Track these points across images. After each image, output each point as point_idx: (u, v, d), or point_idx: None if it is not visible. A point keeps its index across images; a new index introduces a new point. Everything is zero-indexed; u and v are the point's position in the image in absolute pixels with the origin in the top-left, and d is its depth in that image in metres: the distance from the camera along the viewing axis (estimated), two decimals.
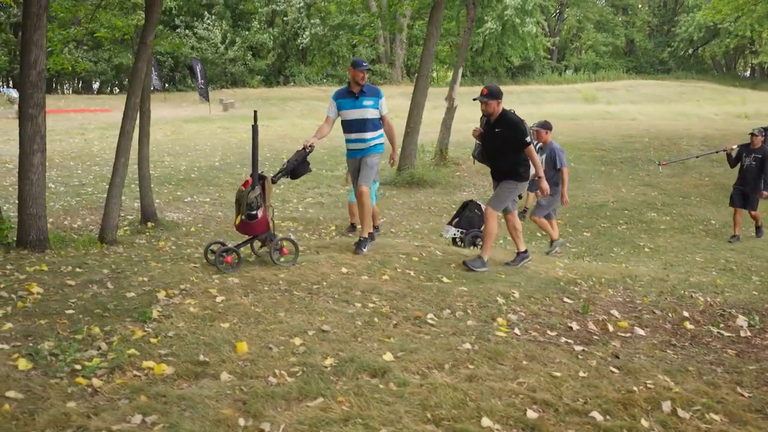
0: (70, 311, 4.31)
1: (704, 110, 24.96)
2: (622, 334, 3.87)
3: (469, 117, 15.95)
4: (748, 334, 4.04)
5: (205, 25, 34.58)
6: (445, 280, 4.91)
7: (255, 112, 5.55)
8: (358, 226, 8.56)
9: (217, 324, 3.94)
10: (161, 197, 11.29)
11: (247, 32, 36.10)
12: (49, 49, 9.05)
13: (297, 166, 5.72)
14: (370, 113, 5.86)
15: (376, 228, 8.38)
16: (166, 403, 2.84)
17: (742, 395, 3.04)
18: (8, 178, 11.90)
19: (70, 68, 12.59)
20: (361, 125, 5.87)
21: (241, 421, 2.65)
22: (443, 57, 43.44)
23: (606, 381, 3.05)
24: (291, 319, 3.97)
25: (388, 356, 3.31)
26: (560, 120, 22.37)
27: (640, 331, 3.93)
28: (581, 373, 3.14)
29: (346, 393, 2.87)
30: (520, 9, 36.87)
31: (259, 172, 5.41)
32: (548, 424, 2.66)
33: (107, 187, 12.29)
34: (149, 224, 9.50)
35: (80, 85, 38.58)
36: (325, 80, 37.57)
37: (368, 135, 5.90)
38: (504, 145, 5.43)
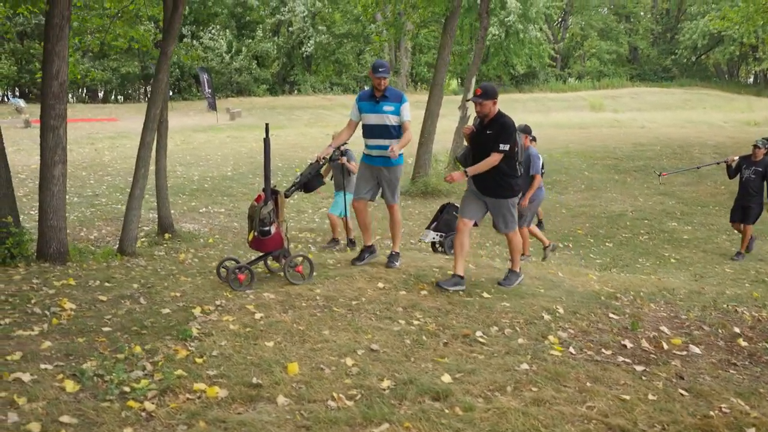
0: (107, 328, 4.21)
1: (712, 118, 24.92)
2: (678, 353, 3.77)
3: None
4: None
5: (210, 34, 34.63)
6: (485, 294, 4.82)
7: (267, 125, 5.38)
8: (342, 241, 8.40)
9: (261, 342, 3.85)
10: (176, 208, 11.21)
11: (251, 41, 36.14)
12: None
13: (310, 180, 5.60)
14: (391, 119, 5.49)
15: (351, 241, 8.22)
16: (227, 429, 2.74)
17: None
18: (21, 189, 11.83)
19: (80, 77, 12.54)
20: (381, 131, 5.53)
21: None
22: (449, 65, 43.47)
23: (678, 405, 2.95)
24: (337, 338, 3.87)
25: (446, 378, 3.21)
26: (569, 128, 22.39)
27: (696, 349, 3.83)
28: (650, 396, 3.04)
29: (411, 418, 2.77)
30: (523, 16, 36.90)
31: (272, 186, 5.26)
32: None
33: (121, 197, 12.36)
34: (166, 235, 9.42)
35: (85, 94, 38.60)
36: (330, 89, 37.58)
37: (386, 142, 5.51)
38: (493, 149, 4.93)
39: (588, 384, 3.17)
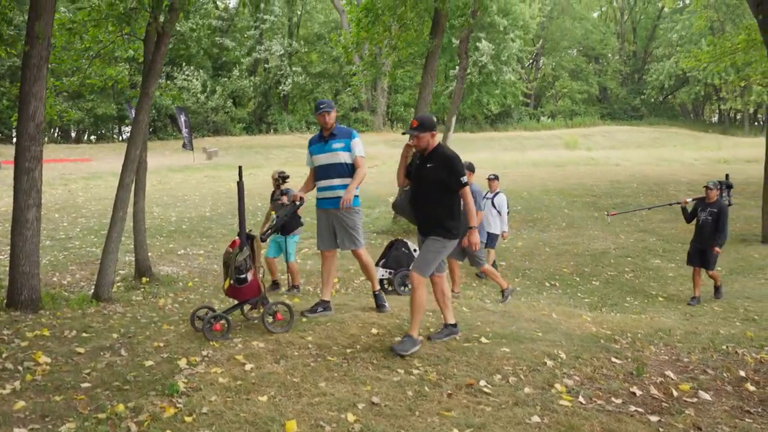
0: (86, 384, 3.95)
1: (683, 156, 25.47)
2: (689, 400, 3.64)
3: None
4: None
5: (184, 75, 34.63)
6: (483, 340, 4.66)
7: (240, 167, 5.18)
8: (283, 288, 7.99)
9: (254, 397, 3.62)
10: (153, 250, 10.89)
11: (227, 80, 36.23)
12: None
13: (288, 222, 5.44)
14: (342, 157, 5.23)
15: (296, 287, 7.78)
16: None
17: None
18: None
19: (57, 117, 12.30)
20: (332, 170, 5.25)
21: None
22: None
23: None
24: (335, 390, 3.66)
25: None
26: (546, 167, 22.65)
27: (706, 396, 3.71)
28: None
29: None
30: (496, 57, 37.70)
31: (247, 230, 5.03)
32: None
33: (95, 240, 12.01)
34: (144, 279, 9.12)
35: (57, 134, 38.12)
36: (307, 128, 37.72)
37: (337, 182, 5.24)
38: (436, 185, 4.47)
39: None
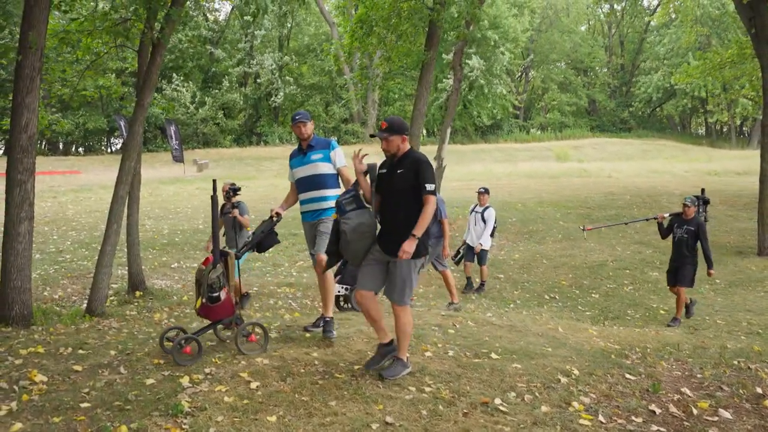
0: (86, 404, 3.80)
1: (674, 168, 25.62)
2: (710, 418, 3.56)
3: (451, 176, 15.92)
4: None
5: (173, 85, 34.46)
6: (493, 356, 4.56)
7: (214, 181, 4.97)
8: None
9: (263, 417, 3.49)
10: (146, 263, 10.71)
11: (217, 91, 36.11)
12: None
13: (263, 239, 5.13)
14: (321, 168, 5.06)
15: (244, 295, 7.59)
16: None
17: None
18: None
19: (48, 126, 12.11)
20: (311, 182, 5.10)
21: None
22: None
23: None
24: (346, 409, 3.54)
25: None
26: (539, 178, 22.68)
27: (726, 414, 3.63)
28: None
29: None
30: (487, 71, 37.92)
31: (221, 247, 4.79)
32: None
33: (87, 253, 11.79)
34: (137, 293, 8.94)
35: (45, 146, 37.76)
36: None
37: (317, 193, 5.09)
38: (407, 192, 4.05)
39: None
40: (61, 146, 38.01)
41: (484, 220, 9.44)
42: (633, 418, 3.49)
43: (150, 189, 19.21)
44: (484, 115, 40.75)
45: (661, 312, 8.28)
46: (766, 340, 6.56)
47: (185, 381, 4.15)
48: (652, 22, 49.40)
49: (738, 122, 47.28)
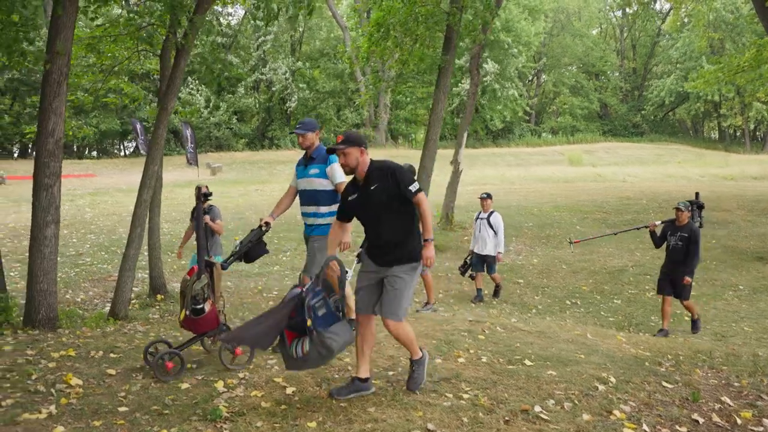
0: (124, 408, 3.82)
1: (689, 172, 25.47)
2: (755, 428, 3.51)
3: (465, 180, 15.87)
4: None
5: (188, 89, 34.68)
6: (527, 362, 4.53)
7: (197, 188, 4.80)
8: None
9: (303, 423, 3.49)
10: (165, 267, 10.74)
11: (231, 96, 36.28)
12: None
13: (251, 249, 4.99)
14: (318, 183, 4.90)
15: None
16: None
17: None
18: None
19: (71, 134, 12.19)
20: (308, 198, 5.01)
21: None
22: (424, 120, 44.19)
23: None
24: (385, 416, 3.53)
25: None
26: (554, 183, 22.60)
27: None
28: None
29: None
30: (500, 74, 37.88)
31: (207, 257, 4.63)
32: None
33: (106, 256, 11.86)
34: (158, 297, 8.97)
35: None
36: None
37: (312, 209, 4.99)
38: (387, 204, 3.82)
39: None
40: (75, 149, 38.29)
41: (491, 227, 9.03)
42: (677, 427, 3.45)
43: (165, 192, 19.24)
44: (496, 119, 40.68)
45: (686, 319, 8.20)
46: None
47: (220, 386, 4.15)
48: (663, 27, 49.19)
49: (752, 126, 46.91)
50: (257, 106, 37.17)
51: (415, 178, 3.94)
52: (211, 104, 35.40)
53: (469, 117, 14.81)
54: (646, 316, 8.44)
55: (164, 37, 8.61)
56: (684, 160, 33.74)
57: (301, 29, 40.94)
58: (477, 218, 9.30)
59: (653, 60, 51.18)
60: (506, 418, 3.49)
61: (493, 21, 13.57)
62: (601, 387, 4.06)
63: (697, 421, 3.55)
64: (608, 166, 29.54)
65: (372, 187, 3.84)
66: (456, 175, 14.32)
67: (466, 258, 9.36)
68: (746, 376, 4.61)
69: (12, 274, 10.22)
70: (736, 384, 4.40)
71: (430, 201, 13.82)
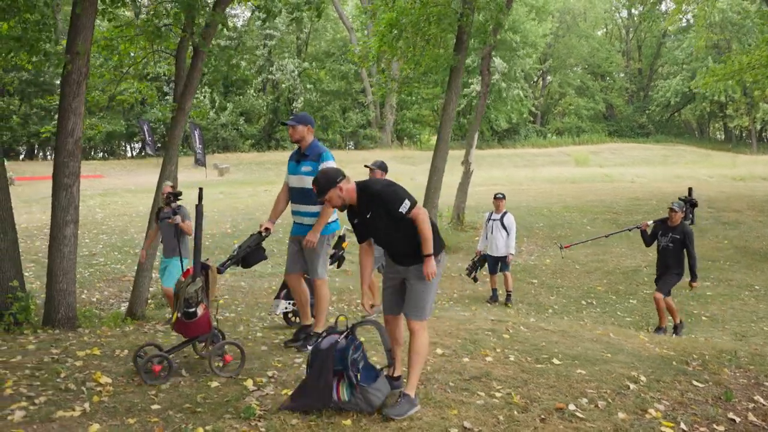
0: (156, 406, 3.82)
1: (698, 173, 25.38)
2: None
3: (474, 181, 15.81)
4: None
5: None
6: (555, 361, 4.53)
7: (200, 189, 4.63)
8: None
9: (338, 421, 3.49)
10: None
11: (240, 97, 36.32)
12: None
13: (249, 254, 4.86)
14: (308, 182, 4.59)
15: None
16: None
17: None
18: None
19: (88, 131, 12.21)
20: (300, 196, 4.86)
21: None
22: (429, 121, 44.21)
23: None
24: (420, 413, 3.53)
25: None
26: (561, 183, 22.56)
27: None
28: None
29: None
30: (505, 74, 37.86)
31: (204, 260, 4.52)
32: None
33: (119, 257, 11.88)
34: None
35: None
36: (324, 147, 37.81)
37: (304, 208, 4.85)
38: (390, 225, 3.69)
39: None
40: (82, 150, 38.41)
41: (504, 227, 8.85)
42: (715, 426, 3.45)
43: None
44: (501, 119, 40.64)
45: (703, 318, 8.19)
46: None
47: (249, 384, 4.16)
48: (669, 27, 49.10)
49: (758, 126, 46.78)
50: (265, 107, 37.20)
51: (398, 191, 3.69)
52: (216, 105, 35.48)
53: (480, 118, 14.81)
54: None
55: (179, 38, 8.65)
56: (691, 160, 33.69)
57: (306, 30, 41.00)
58: (489, 219, 9.09)
59: (659, 61, 51.11)
60: (542, 417, 3.49)
61: (503, 23, 13.57)
62: (632, 386, 4.06)
63: (734, 420, 3.55)
64: (615, 167, 29.48)
65: (368, 215, 3.73)
66: (467, 175, 14.32)
67: (473, 258, 9.22)
68: None
69: (27, 274, 10.22)
70: (766, 384, 4.39)
71: (442, 202, 13.93)
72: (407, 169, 28.79)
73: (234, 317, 7.68)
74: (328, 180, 3.67)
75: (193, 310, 4.30)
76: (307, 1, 8.92)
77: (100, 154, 39.16)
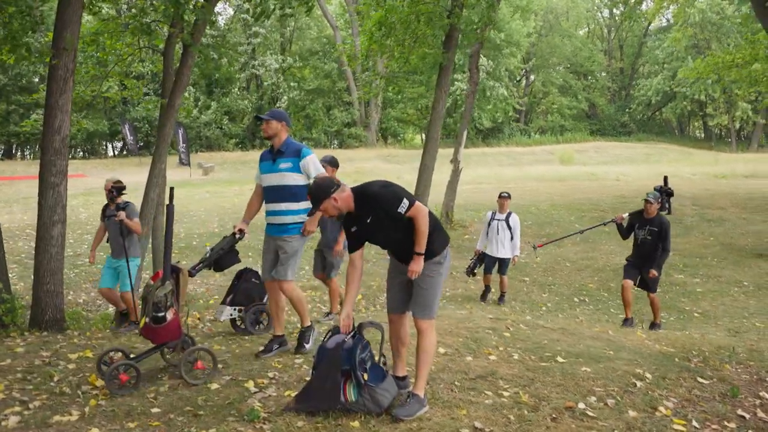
0: (156, 410, 3.72)
1: (681, 171, 25.64)
2: None
3: (460, 179, 15.78)
4: None
5: None
6: (559, 359, 4.49)
7: (171, 189, 4.50)
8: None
9: (346, 422, 3.41)
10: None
11: (226, 99, 35.97)
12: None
13: (222, 257, 4.75)
14: (290, 178, 4.58)
15: (122, 315, 6.78)
16: None
17: None
18: None
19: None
20: (277, 194, 4.63)
21: None
22: (414, 120, 44.20)
23: None
24: (429, 414, 3.47)
25: None
26: (548, 182, 22.65)
27: None
28: None
29: None
30: (491, 74, 37.97)
31: (174, 262, 4.35)
32: None
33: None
34: None
35: None
36: (301, 144, 37.59)
37: (282, 206, 4.64)
38: (391, 226, 3.61)
39: None
40: None
41: (509, 228, 8.64)
42: (726, 423, 3.43)
43: (159, 192, 19.08)
44: (484, 118, 40.73)
45: (696, 315, 8.24)
46: None
47: (250, 386, 4.07)
48: (651, 26, 49.62)
49: (738, 125, 47.44)
50: (249, 106, 36.89)
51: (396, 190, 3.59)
52: (200, 104, 35.11)
53: (468, 116, 14.79)
54: None
55: (167, 35, 8.49)
56: (674, 159, 34.03)
57: (290, 28, 40.75)
58: (493, 219, 8.76)
59: (640, 60, 51.60)
60: (552, 416, 3.45)
61: (494, 20, 13.57)
62: (639, 383, 4.03)
63: (744, 417, 3.53)
64: (599, 165, 29.70)
65: (368, 220, 3.63)
66: (456, 173, 14.29)
67: (472, 259, 8.98)
68: None
69: (10, 275, 10.02)
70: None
71: (431, 200, 13.87)
72: (393, 168, 28.75)
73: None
74: (322, 191, 3.58)
75: (163, 314, 4.14)
76: None
77: (81, 153, 38.58)
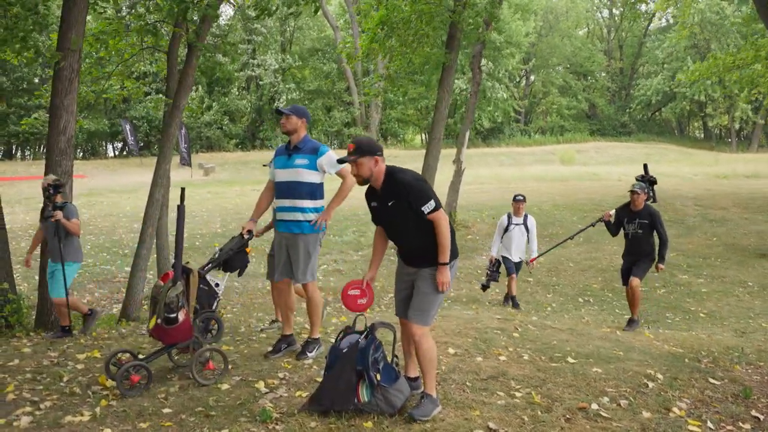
0: (167, 410, 3.71)
1: (681, 171, 25.65)
2: None
3: (462, 179, 15.78)
4: None
5: None
6: (570, 360, 4.48)
7: (182, 189, 4.44)
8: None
9: (359, 423, 3.40)
10: (168, 267, 10.59)
11: (226, 98, 35.96)
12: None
13: (232, 258, 4.71)
14: (306, 175, 4.48)
15: (64, 329, 6.25)
16: None
17: None
18: None
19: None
20: (291, 190, 4.52)
21: None
22: (414, 120, 44.19)
23: None
24: (442, 415, 3.46)
25: None
26: (549, 182, 22.64)
27: None
28: None
29: None
30: (491, 75, 37.97)
31: (184, 263, 4.34)
32: None
33: (109, 257, 11.67)
34: None
35: (43, 150, 37.47)
36: (319, 142, 37.62)
37: (294, 203, 4.53)
38: (410, 220, 3.53)
39: None
40: None
41: (528, 231, 8.31)
42: (740, 424, 3.42)
43: (164, 192, 19.07)
44: (484, 119, 40.72)
45: (701, 315, 8.22)
46: None
47: (261, 386, 4.06)
48: (651, 25, 49.63)
49: (737, 125, 47.46)
50: (249, 106, 36.88)
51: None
52: (204, 105, 35.12)
53: (471, 116, 14.79)
54: (661, 313, 8.44)
55: (171, 34, 8.48)
56: (674, 159, 34.02)
57: (290, 28, 40.74)
58: (510, 224, 8.35)
59: (640, 60, 51.59)
60: (566, 417, 3.44)
61: (497, 16, 13.57)
62: (651, 384, 4.02)
63: (758, 419, 3.52)
64: (600, 166, 29.70)
65: (389, 203, 3.56)
66: (458, 174, 14.29)
67: (489, 269, 8.44)
68: None
69: (15, 275, 10.02)
70: None
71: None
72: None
73: (232, 318, 7.57)
74: (371, 147, 3.51)
75: (174, 315, 4.10)
76: None
77: (81, 154, 38.53)
